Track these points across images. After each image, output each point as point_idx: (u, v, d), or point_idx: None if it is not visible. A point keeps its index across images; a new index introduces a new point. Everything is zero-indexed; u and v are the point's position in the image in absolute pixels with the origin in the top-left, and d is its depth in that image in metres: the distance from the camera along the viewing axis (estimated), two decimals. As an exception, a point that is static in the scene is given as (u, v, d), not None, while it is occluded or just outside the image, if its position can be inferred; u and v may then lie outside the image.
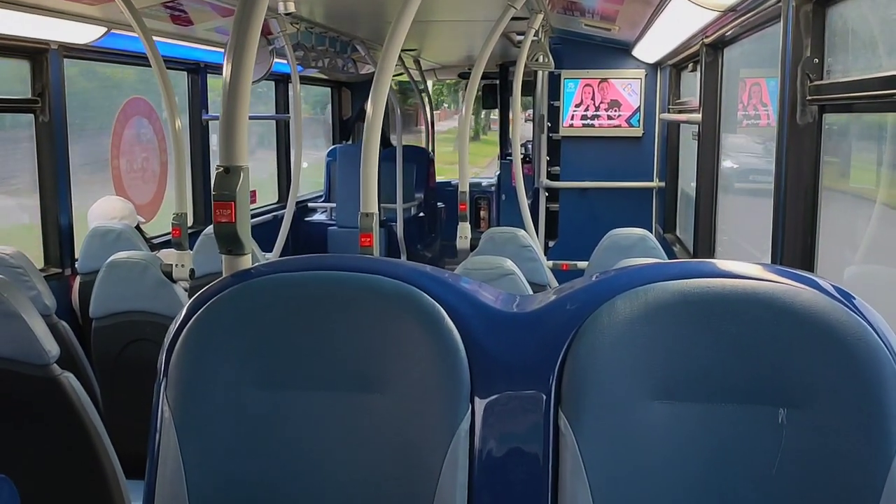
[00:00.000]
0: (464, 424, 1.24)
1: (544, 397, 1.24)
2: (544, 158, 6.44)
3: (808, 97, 2.29)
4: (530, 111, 7.76)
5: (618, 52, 6.16)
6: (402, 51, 6.93)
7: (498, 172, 9.40)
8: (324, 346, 1.30)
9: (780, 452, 1.17)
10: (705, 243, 4.26)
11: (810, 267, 2.34)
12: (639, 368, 1.20)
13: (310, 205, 7.80)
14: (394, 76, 8.06)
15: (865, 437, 1.14)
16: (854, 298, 1.19)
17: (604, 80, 6.28)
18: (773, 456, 1.17)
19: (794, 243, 2.36)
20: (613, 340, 1.21)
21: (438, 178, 8.78)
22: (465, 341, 1.27)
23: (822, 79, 2.29)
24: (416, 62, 8.24)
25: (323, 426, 1.28)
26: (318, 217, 7.70)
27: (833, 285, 1.21)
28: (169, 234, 3.99)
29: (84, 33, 4.10)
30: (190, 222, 4.56)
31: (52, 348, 2.14)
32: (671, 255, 5.23)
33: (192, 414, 1.30)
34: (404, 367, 1.27)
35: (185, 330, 1.32)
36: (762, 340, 1.18)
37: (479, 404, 1.25)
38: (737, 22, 3.26)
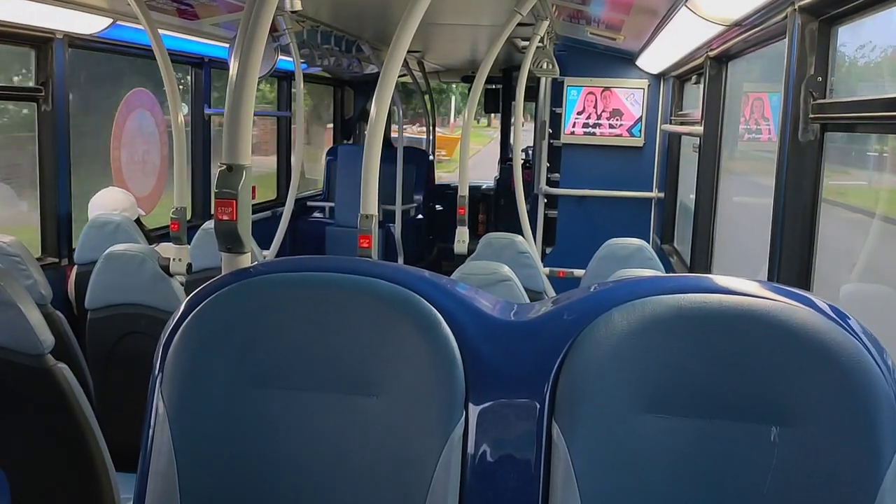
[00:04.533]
0: (457, 430, 1.24)
1: (538, 406, 1.24)
2: (544, 165, 6.45)
3: (811, 115, 2.30)
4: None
5: (622, 61, 6.17)
6: (407, 52, 6.91)
7: (497, 177, 9.40)
8: (320, 347, 1.30)
9: (771, 470, 1.17)
10: (702, 256, 4.27)
11: (807, 283, 2.35)
12: (633, 381, 1.21)
13: (309, 203, 7.79)
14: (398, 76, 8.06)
15: (856, 457, 1.14)
16: (849, 318, 1.20)
17: (607, 88, 6.29)
18: (764, 473, 1.17)
19: (792, 259, 2.37)
20: (609, 352, 1.21)
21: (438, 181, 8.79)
22: (462, 347, 1.27)
23: (825, 97, 2.30)
24: (420, 64, 8.23)
25: (316, 427, 1.29)
26: (317, 215, 7.68)
27: (829, 304, 1.21)
28: (167, 227, 3.99)
29: (90, 23, 4.09)
30: (189, 216, 4.55)
31: (46, 338, 2.13)
32: (668, 266, 5.23)
33: (186, 410, 1.30)
34: (399, 371, 1.27)
35: (182, 326, 1.32)
36: (756, 357, 1.19)
37: (473, 411, 1.26)
38: (742, 37, 3.26)
